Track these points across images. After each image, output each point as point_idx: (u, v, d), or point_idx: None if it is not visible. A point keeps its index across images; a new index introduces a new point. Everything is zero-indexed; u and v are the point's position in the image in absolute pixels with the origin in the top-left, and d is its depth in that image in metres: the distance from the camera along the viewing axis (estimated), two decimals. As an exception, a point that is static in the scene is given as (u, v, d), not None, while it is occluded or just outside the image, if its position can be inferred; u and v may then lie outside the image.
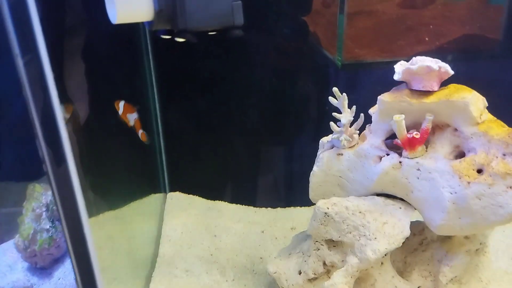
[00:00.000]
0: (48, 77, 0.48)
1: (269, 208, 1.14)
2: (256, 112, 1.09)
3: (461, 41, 1.22)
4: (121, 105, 0.77)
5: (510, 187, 0.66)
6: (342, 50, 1.14)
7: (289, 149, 1.08)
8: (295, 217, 0.97)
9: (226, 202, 1.15)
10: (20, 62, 0.47)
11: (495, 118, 0.71)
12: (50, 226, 0.92)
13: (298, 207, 1.12)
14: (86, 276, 0.60)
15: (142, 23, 0.56)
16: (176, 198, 1.15)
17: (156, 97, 1.03)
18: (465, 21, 1.22)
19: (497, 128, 0.69)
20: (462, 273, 0.82)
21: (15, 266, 0.89)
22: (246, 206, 1.15)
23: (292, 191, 0.94)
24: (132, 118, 0.80)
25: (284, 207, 1.12)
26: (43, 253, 0.90)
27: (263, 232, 1.06)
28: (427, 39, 1.19)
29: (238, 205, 1.15)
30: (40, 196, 0.92)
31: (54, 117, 0.50)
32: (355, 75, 1.09)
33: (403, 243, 0.81)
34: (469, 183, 0.69)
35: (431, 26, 1.20)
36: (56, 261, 0.94)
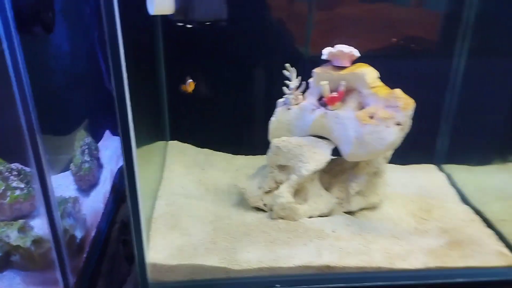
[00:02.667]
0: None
1: (243, 155, 1.55)
2: (244, 81, 1.46)
3: (404, 40, 1.60)
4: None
5: (387, 126, 1.06)
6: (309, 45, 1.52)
7: (263, 112, 1.45)
8: (263, 161, 1.35)
9: (212, 150, 1.55)
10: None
11: (383, 84, 1.11)
12: (89, 159, 1.30)
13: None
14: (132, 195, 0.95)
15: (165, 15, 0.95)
16: (175, 145, 1.54)
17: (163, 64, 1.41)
18: (408, 23, 1.59)
19: (383, 90, 1.09)
20: (365, 189, 1.22)
21: (70, 186, 1.26)
22: (227, 153, 1.56)
23: (265, 143, 1.32)
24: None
25: (255, 155, 1.53)
26: (85, 178, 1.27)
27: (237, 170, 1.46)
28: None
29: (221, 152, 1.55)
30: (84, 138, 1.30)
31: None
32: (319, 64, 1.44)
33: (328, 168, 1.22)
34: (364, 124, 1.09)
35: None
36: (92, 186, 1.32)
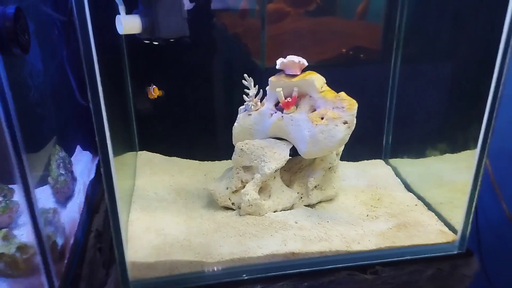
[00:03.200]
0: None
1: (210, 161, 1.66)
2: (207, 92, 1.57)
3: (350, 50, 1.69)
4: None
5: (336, 125, 1.21)
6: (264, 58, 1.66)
7: (226, 119, 1.56)
8: (229, 165, 1.46)
9: (180, 158, 1.65)
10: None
11: (330, 89, 1.26)
12: (65, 173, 1.35)
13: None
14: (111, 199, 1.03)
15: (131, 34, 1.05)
16: (144, 155, 1.62)
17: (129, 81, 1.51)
18: (353, 35, 1.72)
19: (330, 94, 1.24)
20: (322, 183, 1.36)
21: (49, 198, 1.30)
22: (194, 160, 1.66)
23: (229, 148, 1.43)
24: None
25: (221, 160, 1.64)
26: (61, 190, 1.33)
27: (205, 175, 1.57)
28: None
29: (188, 159, 1.66)
30: (58, 152, 1.36)
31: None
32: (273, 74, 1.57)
33: (288, 166, 1.35)
34: (316, 125, 1.23)
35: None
36: (68, 198, 1.38)
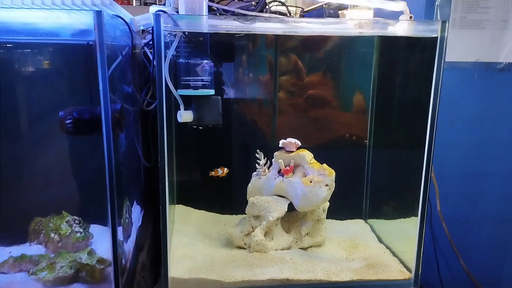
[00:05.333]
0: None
1: (229, 215, 2.14)
2: (229, 161, 2.11)
3: (345, 136, 2.19)
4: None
5: (320, 187, 1.71)
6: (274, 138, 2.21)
7: (243, 182, 2.04)
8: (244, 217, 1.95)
9: (205, 211, 2.13)
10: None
11: (316, 162, 1.78)
12: (128, 217, 1.84)
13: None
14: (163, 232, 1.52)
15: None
16: (180, 208, 2.13)
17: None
18: (347, 124, 2.19)
19: (316, 165, 1.76)
20: (312, 231, 1.82)
21: (120, 233, 1.81)
22: (217, 213, 2.15)
23: (244, 204, 1.93)
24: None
25: (237, 214, 2.12)
26: (126, 229, 1.82)
27: (224, 224, 2.05)
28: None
29: (213, 213, 2.15)
30: (126, 202, 1.89)
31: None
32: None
33: (287, 218, 1.83)
34: (306, 186, 1.74)
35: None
36: (128, 236, 1.87)
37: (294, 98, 2.08)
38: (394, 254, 1.83)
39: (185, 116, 1.55)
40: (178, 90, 1.53)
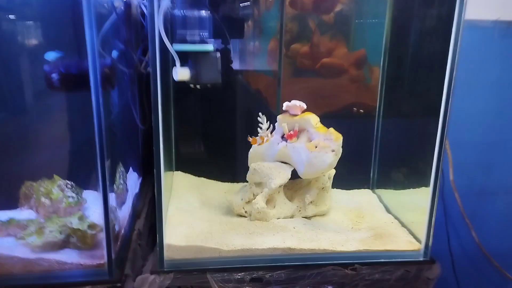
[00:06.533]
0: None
1: (229, 182, 2.05)
2: (231, 125, 1.99)
3: (352, 105, 2.08)
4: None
5: (326, 152, 1.60)
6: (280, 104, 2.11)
7: (244, 147, 1.94)
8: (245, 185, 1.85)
9: (206, 178, 2.05)
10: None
11: (322, 126, 1.67)
12: (122, 183, 1.74)
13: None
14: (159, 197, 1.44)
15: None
16: (179, 174, 2.03)
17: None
18: (354, 92, 2.09)
19: (322, 129, 1.65)
20: (316, 199, 1.73)
21: (112, 199, 1.72)
22: (218, 181, 2.07)
23: (246, 172, 1.82)
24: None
25: (238, 182, 2.03)
26: (120, 195, 1.67)
27: (225, 192, 1.96)
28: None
29: (213, 180, 2.06)
30: (120, 168, 1.79)
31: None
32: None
33: (290, 185, 1.74)
34: (311, 152, 1.63)
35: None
36: (122, 202, 1.78)
37: (301, 63, 1.97)
38: (403, 225, 1.74)
39: (181, 73, 1.43)
40: (173, 45, 1.41)
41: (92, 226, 1.43)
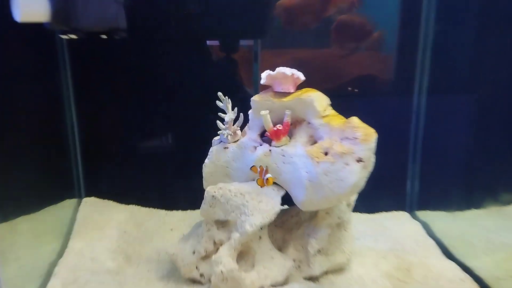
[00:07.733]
0: None
1: (181, 211, 1.28)
2: (175, 115, 1.27)
3: (359, 80, 1.47)
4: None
5: (346, 164, 0.84)
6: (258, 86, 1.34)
7: (202, 154, 1.23)
8: None
9: (139, 206, 1.28)
10: None
11: (336, 113, 0.91)
12: None
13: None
14: None
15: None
16: (91, 202, 1.26)
17: (72, 103, 1.17)
18: (364, 65, 1.48)
19: (337, 119, 0.89)
20: (327, 245, 0.98)
21: None
22: (160, 209, 1.28)
23: (201, 193, 1.07)
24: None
25: (194, 209, 1.26)
26: None
27: (171, 229, 1.18)
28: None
29: (150, 208, 1.28)
30: None
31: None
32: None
33: (280, 221, 0.98)
34: (318, 162, 0.87)
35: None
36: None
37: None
38: (481, 284, 1.00)
39: (27, 7, 0.63)
40: None
41: None
